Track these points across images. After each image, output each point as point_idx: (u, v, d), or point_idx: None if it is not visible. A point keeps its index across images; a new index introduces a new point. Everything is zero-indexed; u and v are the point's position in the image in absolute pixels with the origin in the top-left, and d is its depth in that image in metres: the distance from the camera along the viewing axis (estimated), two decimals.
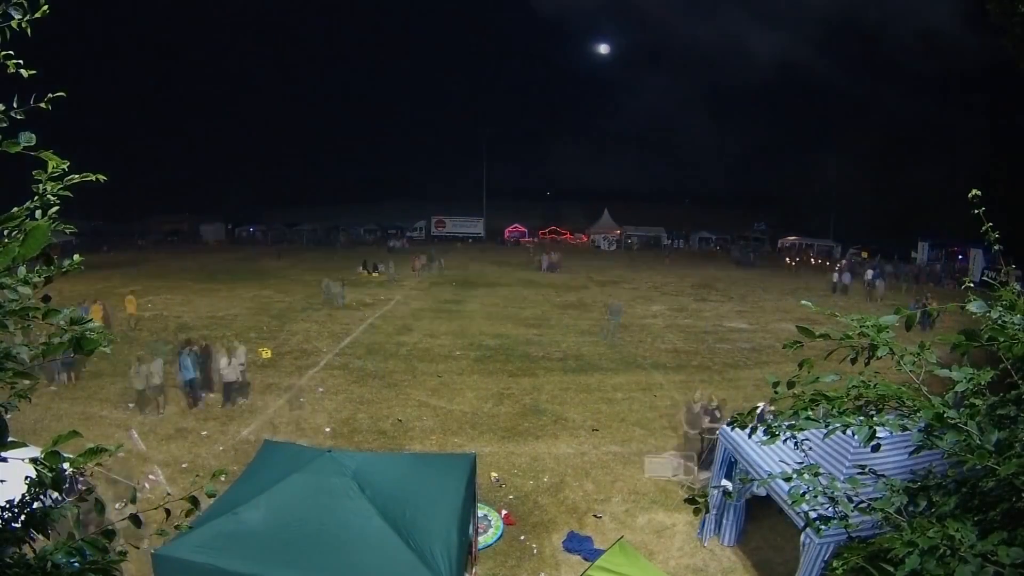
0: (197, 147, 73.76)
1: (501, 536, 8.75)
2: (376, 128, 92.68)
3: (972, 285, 2.87)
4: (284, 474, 6.35)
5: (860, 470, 3.00)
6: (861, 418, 2.49)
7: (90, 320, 1.80)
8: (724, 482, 8.48)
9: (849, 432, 2.50)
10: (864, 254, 43.42)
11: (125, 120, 68.69)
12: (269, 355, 17.06)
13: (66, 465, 1.87)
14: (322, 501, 6.03)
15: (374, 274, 33.02)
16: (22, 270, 1.87)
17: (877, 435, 2.48)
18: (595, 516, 9.37)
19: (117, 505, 8.31)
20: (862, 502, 2.73)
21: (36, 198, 2.02)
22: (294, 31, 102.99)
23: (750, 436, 2.76)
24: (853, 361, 2.54)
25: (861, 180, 53.66)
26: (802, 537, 6.34)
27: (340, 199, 73.77)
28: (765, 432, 2.69)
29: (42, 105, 1.96)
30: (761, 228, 59.08)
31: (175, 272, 34.10)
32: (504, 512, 9.28)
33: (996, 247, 2.82)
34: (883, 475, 2.84)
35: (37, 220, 1.92)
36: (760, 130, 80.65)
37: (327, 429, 12.40)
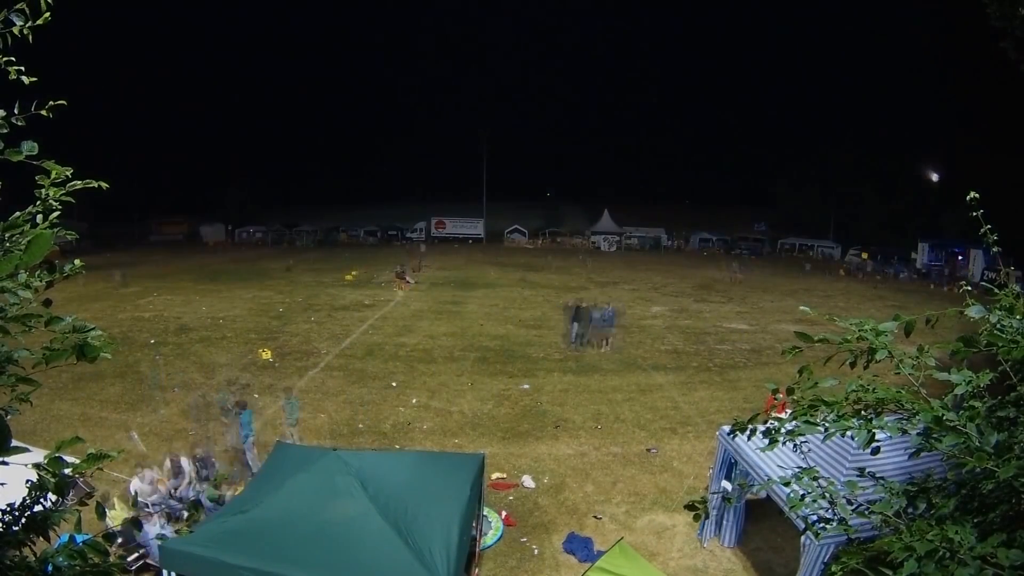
0: (197, 148, 73.87)
1: (501, 537, 8.75)
2: (376, 128, 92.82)
3: (970, 288, 2.86)
4: (291, 474, 6.54)
5: (859, 473, 3.00)
6: (860, 421, 2.49)
7: (93, 328, 1.80)
8: (724, 483, 8.48)
9: (849, 435, 2.49)
10: (864, 255, 43.41)
11: (124, 121, 68.86)
12: (269, 356, 17.08)
13: (67, 470, 1.88)
14: (324, 500, 6.14)
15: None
16: (23, 275, 1.88)
17: (876, 438, 2.47)
18: (595, 517, 9.37)
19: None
20: (861, 505, 2.73)
21: (39, 203, 2.03)
22: (295, 31, 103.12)
23: (749, 439, 2.76)
24: (852, 365, 2.54)
25: (862, 181, 53.59)
26: (802, 538, 6.34)
27: (340, 200, 73.84)
28: (764, 436, 2.69)
29: (43, 112, 1.97)
30: (761, 228, 58.98)
31: (175, 272, 34.12)
32: (504, 513, 9.28)
33: (995, 249, 2.81)
34: (882, 478, 2.84)
35: (39, 225, 1.93)
36: (760, 130, 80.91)
37: (327, 430, 12.41)
